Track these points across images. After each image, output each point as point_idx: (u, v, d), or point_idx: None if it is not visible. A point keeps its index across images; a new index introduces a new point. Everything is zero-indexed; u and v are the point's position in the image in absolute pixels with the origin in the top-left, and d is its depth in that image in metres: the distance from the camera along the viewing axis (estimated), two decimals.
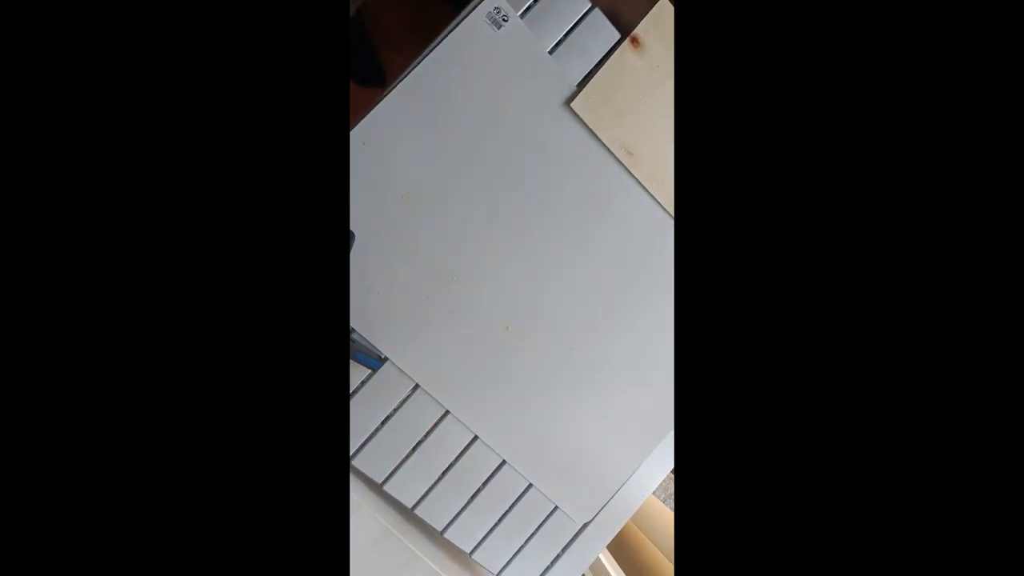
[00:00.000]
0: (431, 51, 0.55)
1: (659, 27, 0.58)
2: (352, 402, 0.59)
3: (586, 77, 0.58)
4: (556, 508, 0.66)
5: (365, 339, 0.58)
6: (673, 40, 0.58)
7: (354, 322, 0.57)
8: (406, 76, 0.55)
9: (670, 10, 0.58)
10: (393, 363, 0.59)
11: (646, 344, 0.64)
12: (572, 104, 0.57)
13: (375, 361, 0.57)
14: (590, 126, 0.58)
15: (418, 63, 0.55)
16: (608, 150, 0.59)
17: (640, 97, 0.59)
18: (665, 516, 0.95)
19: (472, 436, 0.62)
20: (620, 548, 0.96)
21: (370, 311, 0.58)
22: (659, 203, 0.61)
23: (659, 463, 0.68)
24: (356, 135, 0.55)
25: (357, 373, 0.59)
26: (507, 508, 0.65)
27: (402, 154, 0.56)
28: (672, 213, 0.61)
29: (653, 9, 0.58)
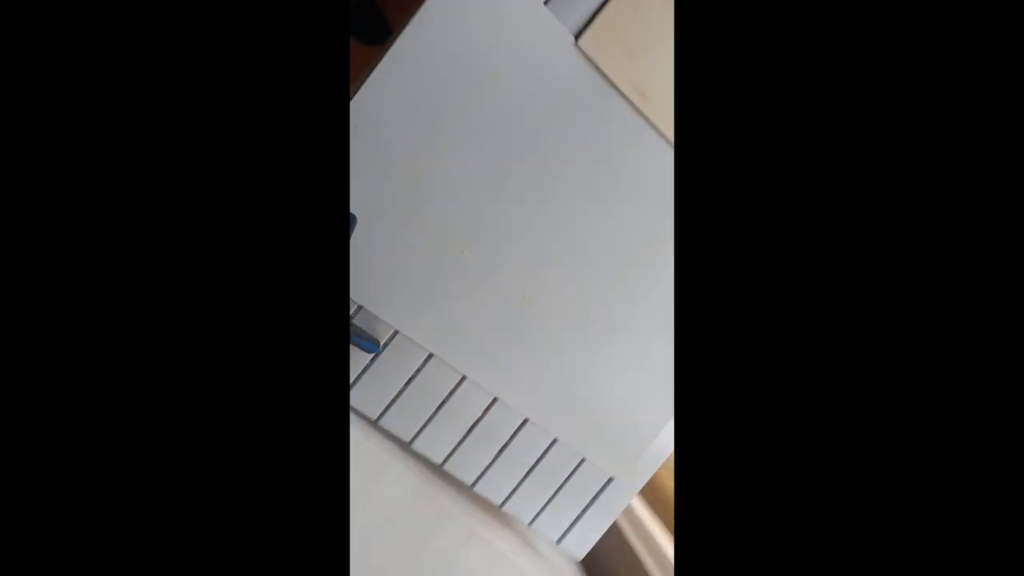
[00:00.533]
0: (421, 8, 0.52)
1: None
2: (373, 367, 0.60)
3: (595, 14, 0.54)
4: (584, 460, 0.66)
5: (363, 324, 0.58)
6: None
7: (363, 298, 0.57)
8: (397, 39, 0.53)
9: None
10: (405, 335, 0.59)
11: (670, 298, 0.62)
12: (580, 42, 0.54)
13: (372, 345, 0.58)
14: (600, 66, 0.55)
15: (408, 24, 0.52)
16: (621, 92, 0.56)
17: (655, 33, 0.55)
18: None
19: (492, 398, 0.62)
20: (654, 494, 0.97)
21: (380, 285, 0.57)
22: (669, 142, 0.58)
23: None
24: (353, 107, 0.53)
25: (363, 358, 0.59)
26: (535, 462, 0.65)
27: (401, 122, 0.54)
28: None
29: None
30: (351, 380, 0.59)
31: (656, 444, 0.68)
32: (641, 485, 0.69)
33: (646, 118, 0.57)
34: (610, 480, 0.67)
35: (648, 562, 0.75)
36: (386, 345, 0.59)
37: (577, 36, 0.54)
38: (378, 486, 0.57)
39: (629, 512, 0.88)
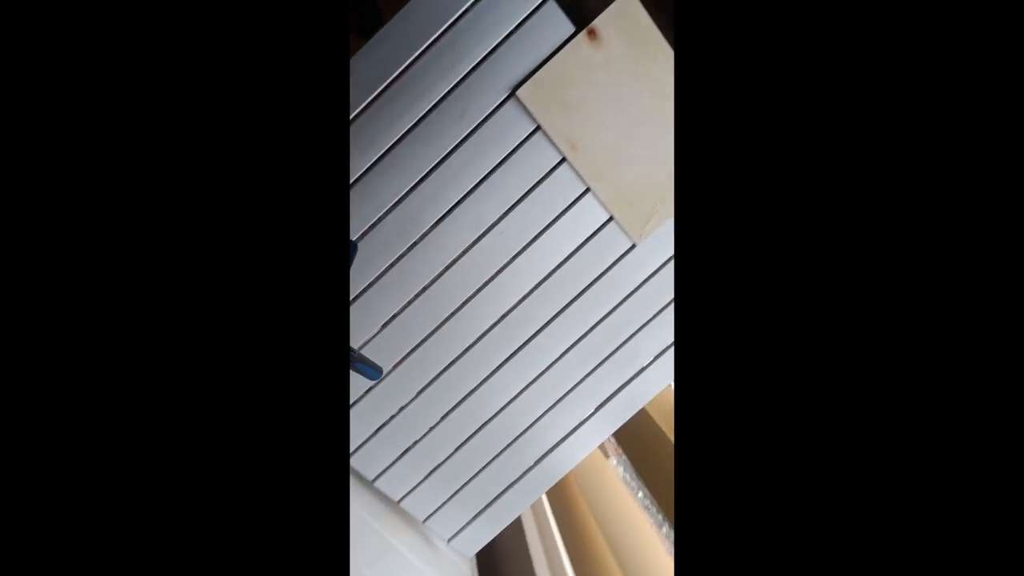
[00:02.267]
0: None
1: (621, 20, 0.57)
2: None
3: (536, 69, 0.58)
4: (487, 464, 0.71)
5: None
6: (634, 35, 0.57)
7: None
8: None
9: (635, 4, 0.57)
10: None
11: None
12: (519, 93, 0.57)
13: (373, 371, 0.58)
14: (535, 116, 0.58)
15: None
16: (552, 143, 0.59)
17: (592, 91, 0.58)
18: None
19: (403, 403, 0.67)
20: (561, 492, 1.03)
21: None
22: (599, 200, 0.62)
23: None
24: None
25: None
26: (437, 464, 0.70)
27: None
28: (613, 213, 0.63)
29: (616, 2, 0.57)
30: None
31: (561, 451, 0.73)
32: (541, 493, 0.75)
33: (574, 169, 0.61)
34: (509, 487, 0.73)
35: (539, 560, 0.81)
36: None
37: (516, 87, 0.58)
38: None
39: (536, 509, 0.94)
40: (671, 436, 0.87)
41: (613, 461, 1.05)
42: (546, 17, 0.57)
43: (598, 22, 0.57)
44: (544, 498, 0.98)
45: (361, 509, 0.66)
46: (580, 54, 0.57)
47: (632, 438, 0.97)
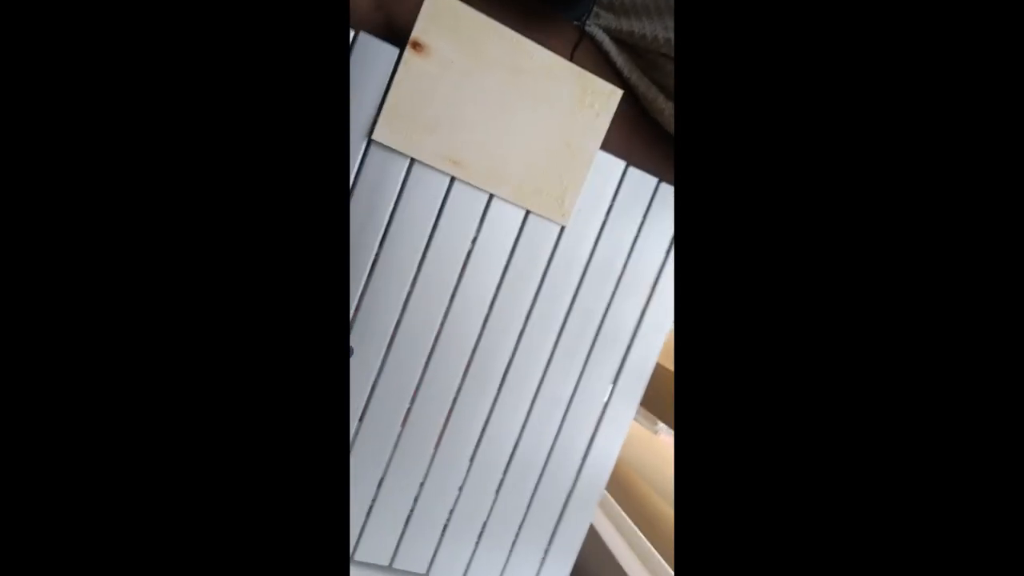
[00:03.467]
0: None
1: (437, 23, 0.54)
2: None
3: (380, 107, 0.54)
4: (529, 508, 0.67)
5: None
6: (456, 29, 0.54)
7: None
8: None
9: (444, 1, 0.54)
10: None
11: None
12: (375, 136, 0.54)
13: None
14: (403, 151, 0.55)
15: None
16: (433, 168, 0.56)
17: (445, 101, 0.55)
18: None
19: (419, 484, 0.63)
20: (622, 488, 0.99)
21: None
22: (507, 201, 0.58)
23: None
24: None
25: None
26: (480, 528, 0.66)
27: None
28: (527, 207, 0.59)
29: (424, 5, 0.53)
30: None
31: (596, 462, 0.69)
32: (595, 504, 0.70)
33: (467, 182, 0.57)
34: (562, 512, 0.68)
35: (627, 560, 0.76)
36: None
37: (370, 134, 0.54)
38: None
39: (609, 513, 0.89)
40: None
41: (659, 427, 1.01)
42: (364, 50, 0.53)
43: (417, 32, 0.53)
44: (610, 497, 0.93)
45: None
46: (415, 71, 0.54)
47: (663, 397, 0.93)
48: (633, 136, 0.69)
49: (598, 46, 0.69)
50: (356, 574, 0.62)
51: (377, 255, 0.57)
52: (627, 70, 0.68)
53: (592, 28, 0.69)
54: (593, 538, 0.80)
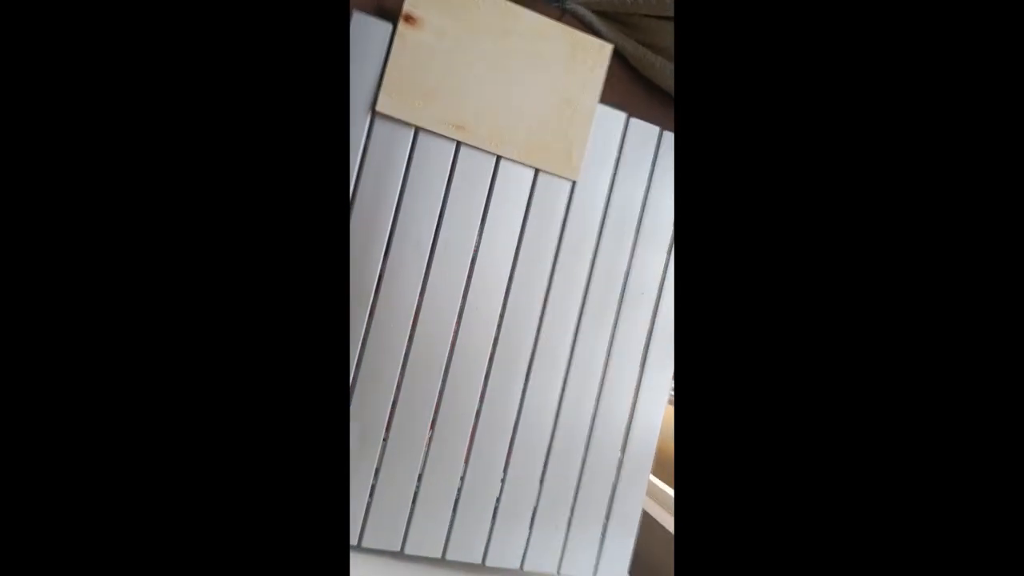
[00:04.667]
0: None
1: None
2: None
3: (380, 79, 0.55)
4: (580, 482, 0.64)
5: None
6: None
7: None
8: None
9: None
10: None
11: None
12: (378, 107, 0.54)
13: None
14: (407, 120, 0.55)
15: None
16: (438, 134, 0.56)
17: (442, 69, 0.56)
18: None
19: (462, 465, 0.60)
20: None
21: None
22: (515, 161, 0.58)
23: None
24: None
25: None
26: (532, 510, 0.63)
27: None
28: (536, 165, 0.59)
29: None
30: None
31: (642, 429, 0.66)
32: (647, 478, 0.67)
33: (473, 146, 0.57)
34: (613, 494, 0.65)
35: None
36: None
37: (373, 106, 0.55)
38: None
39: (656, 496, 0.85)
40: None
41: None
42: (359, 28, 0.54)
43: (408, 6, 0.55)
44: (657, 481, 0.89)
45: None
46: (410, 42, 0.55)
47: None
48: (632, 88, 0.70)
49: (580, 19, 0.71)
50: (406, 569, 0.59)
51: (392, 229, 0.56)
52: (612, 35, 0.70)
53: (571, 6, 0.71)
54: (646, 520, 0.76)
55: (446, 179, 0.57)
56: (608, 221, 0.62)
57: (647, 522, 0.76)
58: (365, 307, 0.56)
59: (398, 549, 0.58)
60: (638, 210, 0.64)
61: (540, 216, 0.60)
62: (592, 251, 0.62)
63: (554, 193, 0.61)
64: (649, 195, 0.64)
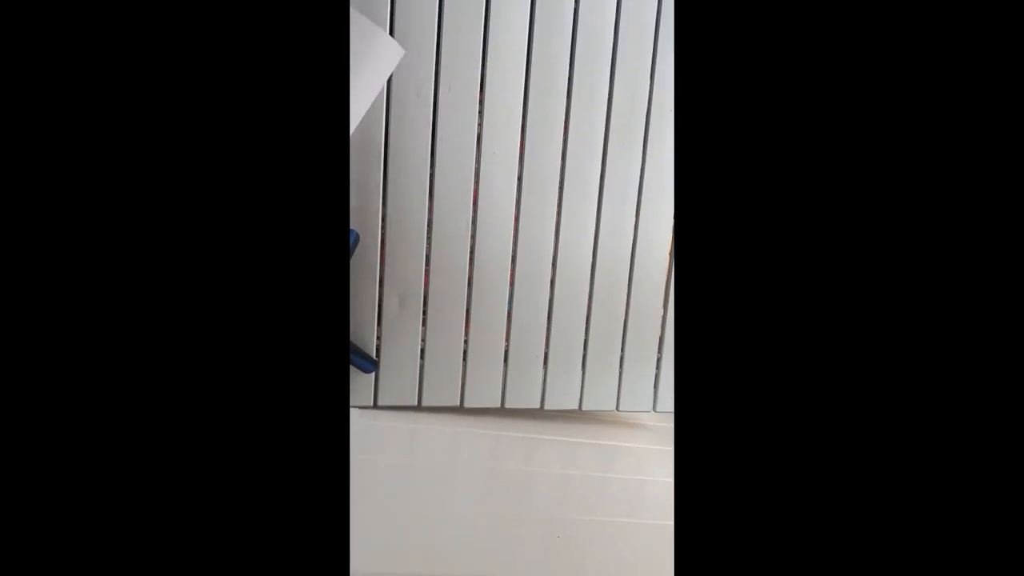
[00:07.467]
0: None
1: None
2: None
3: None
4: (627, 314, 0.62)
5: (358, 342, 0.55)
6: None
7: None
8: None
9: None
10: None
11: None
12: None
13: (369, 364, 0.55)
14: None
15: None
16: None
17: None
18: None
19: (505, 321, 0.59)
20: None
21: None
22: None
23: None
24: None
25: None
26: (583, 350, 0.62)
27: None
28: None
29: None
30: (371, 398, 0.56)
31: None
32: None
33: None
34: (663, 325, 0.63)
35: None
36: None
37: None
38: (456, 458, 0.55)
39: None
40: None
41: None
42: None
43: None
44: None
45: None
46: None
47: None
48: None
49: None
50: (463, 422, 0.59)
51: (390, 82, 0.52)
52: None
53: None
54: None
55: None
56: (621, 29, 0.56)
57: None
58: (378, 170, 0.53)
59: (457, 404, 0.59)
60: (653, 14, 0.57)
61: (547, 32, 0.54)
62: (609, 66, 0.57)
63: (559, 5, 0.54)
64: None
